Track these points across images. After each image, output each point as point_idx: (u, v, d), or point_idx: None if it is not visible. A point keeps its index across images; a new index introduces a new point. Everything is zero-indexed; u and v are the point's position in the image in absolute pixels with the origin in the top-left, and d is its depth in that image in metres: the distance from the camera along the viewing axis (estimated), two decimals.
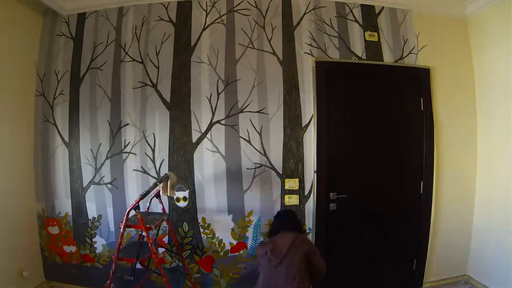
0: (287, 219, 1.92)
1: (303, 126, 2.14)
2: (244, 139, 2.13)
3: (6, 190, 2.03)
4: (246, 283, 2.11)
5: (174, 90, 2.16)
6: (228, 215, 2.13)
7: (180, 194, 2.14)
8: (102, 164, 2.20)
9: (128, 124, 2.18)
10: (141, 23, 2.22)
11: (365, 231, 2.25)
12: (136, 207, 1.65)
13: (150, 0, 2.21)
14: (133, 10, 2.24)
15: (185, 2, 2.20)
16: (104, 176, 2.21)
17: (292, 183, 2.13)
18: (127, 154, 2.18)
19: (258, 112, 2.13)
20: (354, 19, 2.26)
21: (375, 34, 2.26)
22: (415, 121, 2.27)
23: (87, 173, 2.23)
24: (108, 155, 2.20)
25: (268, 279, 1.56)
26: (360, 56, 2.23)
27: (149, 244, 1.66)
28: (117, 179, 2.19)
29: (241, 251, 2.15)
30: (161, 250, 2.15)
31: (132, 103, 2.18)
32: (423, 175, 2.26)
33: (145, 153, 2.16)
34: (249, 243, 2.15)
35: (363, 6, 2.27)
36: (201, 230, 2.14)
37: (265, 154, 2.13)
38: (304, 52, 2.17)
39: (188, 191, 2.13)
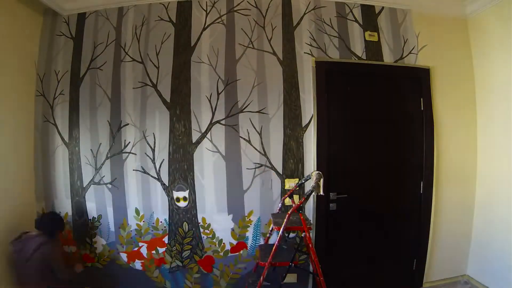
0: None
1: (303, 126, 2.15)
2: (244, 139, 2.13)
3: (6, 190, 2.02)
4: (246, 283, 2.11)
5: (174, 90, 2.16)
6: (228, 215, 2.13)
7: (180, 194, 2.14)
8: (102, 164, 2.20)
9: (128, 124, 2.18)
10: (141, 23, 2.22)
11: (365, 231, 2.25)
12: (299, 208, 1.62)
13: (150, 0, 2.21)
14: (133, 10, 2.24)
15: (185, 2, 2.20)
16: (104, 176, 2.20)
17: (292, 183, 2.13)
18: (127, 154, 2.18)
19: (258, 112, 2.13)
20: (354, 19, 2.26)
21: (375, 34, 2.26)
22: (415, 121, 2.27)
23: (87, 173, 2.23)
24: (108, 155, 2.20)
25: None
26: (360, 56, 2.23)
27: (310, 245, 1.65)
28: (117, 179, 2.19)
29: (241, 251, 2.15)
30: (161, 250, 2.16)
31: (132, 103, 2.18)
32: (423, 175, 2.26)
33: (145, 153, 2.16)
34: (249, 243, 2.15)
35: (363, 6, 2.27)
36: (201, 230, 2.15)
37: (265, 154, 2.13)
38: (304, 52, 2.17)
39: (188, 191, 2.14)
